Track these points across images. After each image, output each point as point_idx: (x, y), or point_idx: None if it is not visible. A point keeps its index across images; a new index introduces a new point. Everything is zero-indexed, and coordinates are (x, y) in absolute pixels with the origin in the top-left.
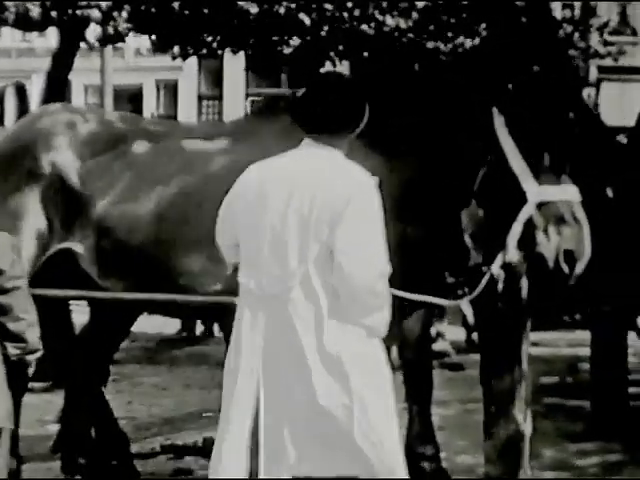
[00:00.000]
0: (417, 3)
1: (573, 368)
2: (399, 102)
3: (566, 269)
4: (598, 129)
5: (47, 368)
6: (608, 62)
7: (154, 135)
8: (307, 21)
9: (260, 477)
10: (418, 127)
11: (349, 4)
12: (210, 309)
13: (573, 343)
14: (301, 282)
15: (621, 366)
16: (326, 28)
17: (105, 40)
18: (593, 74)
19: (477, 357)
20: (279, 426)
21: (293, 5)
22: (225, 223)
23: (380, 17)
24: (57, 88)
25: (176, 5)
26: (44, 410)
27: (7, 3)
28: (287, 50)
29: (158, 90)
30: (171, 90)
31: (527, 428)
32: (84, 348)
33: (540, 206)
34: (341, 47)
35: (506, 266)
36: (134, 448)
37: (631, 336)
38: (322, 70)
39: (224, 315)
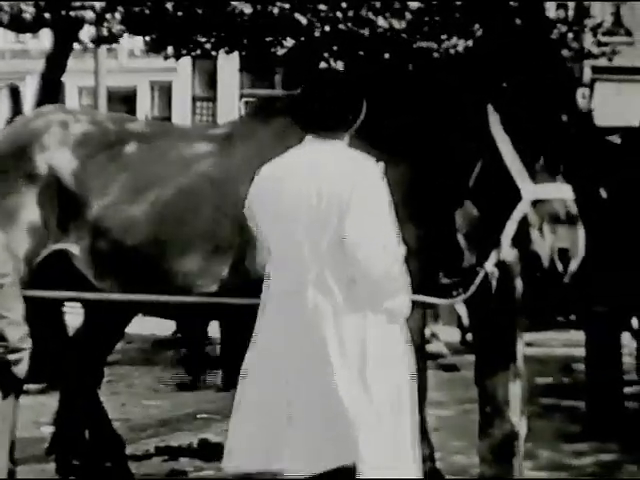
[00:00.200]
0: (410, 4)
1: (567, 368)
2: (392, 102)
3: (561, 267)
4: (590, 130)
5: (42, 370)
6: (602, 62)
7: (149, 136)
8: (303, 21)
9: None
10: (411, 127)
11: (343, 5)
12: (205, 310)
13: (567, 343)
14: (316, 277)
15: (616, 366)
16: (320, 29)
17: (99, 41)
18: (587, 74)
19: (472, 358)
20: (302, 420)
21: (287, 6)
22: (251, 223)
23: (373, 18)
24: (51, 90)
25: (170, 6)
26: (38, 412)
27: (0, 4)
28: (281, 51)
29: (152, 91)
30: (165, 91)
31: (522, 428)
32: (78, 350)
33: (535, 204)
34: (335, 48)
35: (500, 266)
36: (129, 450)
37: (625, 336)
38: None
39: (220, 316)
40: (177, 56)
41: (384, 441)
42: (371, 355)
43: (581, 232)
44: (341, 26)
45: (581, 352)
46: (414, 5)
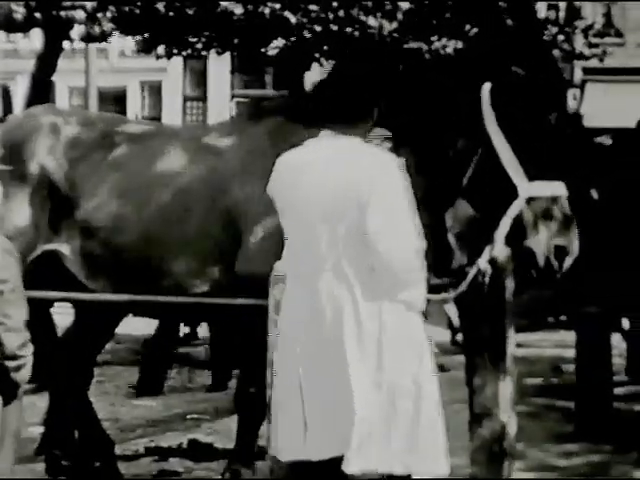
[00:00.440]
0: (401, 4)
1: (557, 369)
2: (386, 100)
3: (556, 265)
4: (579, 131)
5: (31, 370)
6: (593, 63)
7: (140, 137)
8: (293, 20)
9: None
10: (405, 125)
11: (334, 5)
12: (194, 311)
13: (557, 344)
14: (333, 266)
15: (606, 367)
16: (311, 29)
17: (89, 39)
18: (578, 75)
19: (462, 358)
20: (318, 406)
21: (278, 6)
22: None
23: (364, 18)
24: (41, 89)
25: (160, 6)
26: (28, 412)
27: None
28: (272, 51)
29: (142, 91)
30: (155, 91)
31: (512, 429)
32: (68, 350)
33: (529, 201)
34: (326, 48)
35: (492, 265)
36: (118, 450)
37: (615, 337)
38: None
39: (210, 317)
40: (168, 55)
41: (398, 430)
42: (387, 341)
43: (575, 229)
44: (332, 26)
45: (571, 353)
46: (405, 5)
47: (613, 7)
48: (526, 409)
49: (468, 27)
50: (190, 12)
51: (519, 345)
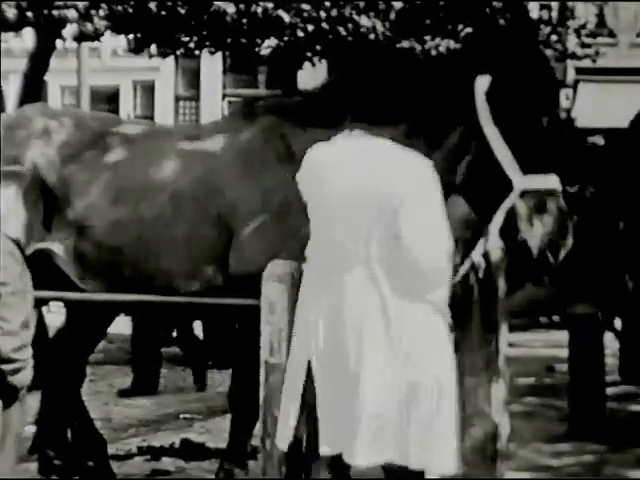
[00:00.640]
0: (394, 4)
1: (550, 369)
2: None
3: (551, 258)
4: (572, 132)
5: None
6: (585, 63)
7: (132, 136)
8: (286, 18)
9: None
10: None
11: (326, 4)
12: (188, 310)
13: (550, 344)
14: (362, 264)
15: (598, 367)
16: (303, 28)
17: (81, 38)
18: (570, 75)
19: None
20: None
21: (270, 5)
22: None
23: (357, 18)
24: (33, 89)
25: (153, 5)
26: None
27: None
28: (264, 51)
29: (135, 91)
30: (148, 91)
31: (504, 429)
32: (60, 349)
33: (523, 195)
34: (319, 47)
35: (486, 260)
36: (111, 449)
37: (608, 337)
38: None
39: (202, 316)
40: (161, 55)
41: (416, 427)
42: (414, 341)
43: (569, 223)
44: (324, 26)
45: (564, 353)
46: (398, 5)
47: (605, 7)
48: (519, 409)
49: (461, 27)
50: (182, 11)
51: (511, 345)
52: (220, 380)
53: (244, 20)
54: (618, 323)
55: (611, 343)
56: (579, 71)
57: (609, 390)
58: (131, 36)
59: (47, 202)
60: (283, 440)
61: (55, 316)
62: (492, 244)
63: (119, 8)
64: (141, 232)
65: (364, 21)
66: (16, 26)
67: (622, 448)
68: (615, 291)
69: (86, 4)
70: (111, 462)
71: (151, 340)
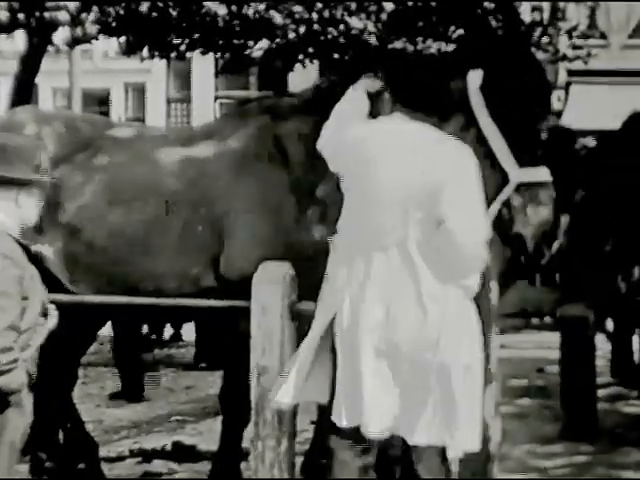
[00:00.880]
0: (385, 5)
1: (541, 370)
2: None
3: (545, 249)
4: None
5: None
6: (577, 65)
7: (124, 139)
8: (278, 20)
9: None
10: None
11: (318, 6)
12: (179, 313)
13: (541, 345)
14: (397, 244)
15: (590, 368)
16: (294, 29)
17: (73, 42)
18: (562, 77)
19: None
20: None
21: (262, 7)
22: (329, 157)
23: (349, 19)
24: (25, 91)
25: (144, 7)
26: None
27: None
28: (256, 53)
29: (126, 93)
30: (139, 93)
31: (496, 431)
32: (52, 352)
33: (518, 187)
34: (310, 49)
35: None
36: (102, 452)
37: (600, 338)
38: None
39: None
40: (152, 57)
41: (442, 406)
42: (447, 324)
43: (560, 214)
44: (316, 27)
45: (555, 354)
46: (389, 7)
47: (597, 9)
48: (511, 410)
49: (452, 29)
50: (174, 13)
51: (502, 346)
52: (211, 382)
53: (235, 22)
54: (610, 324)
55: (603, 345)
56: (571, 73)
57: (600, 391)
58: (123, 38)
59: None
60: (283, 395)
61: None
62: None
63: (110, 10)
64: (133, 235)
65: (355, 23)
66: (8, 28)
67: (614, 449)
68: (607, 292)
69: (77, 7)
70: (102, 464)
71: (132, 344)
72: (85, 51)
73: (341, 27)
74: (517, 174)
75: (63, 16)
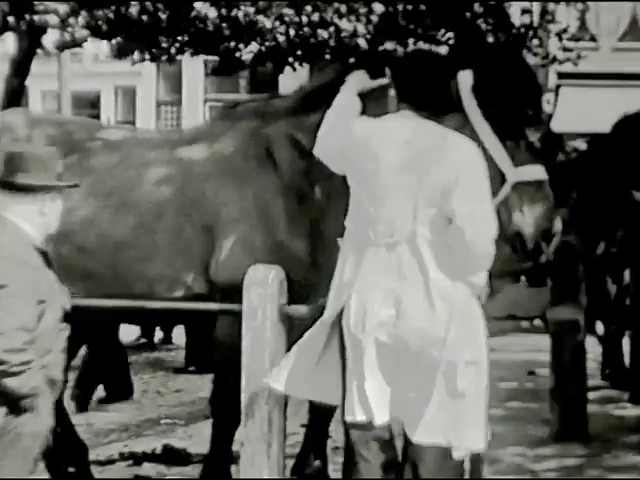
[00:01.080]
0: (376, 8)
1: (532, 373)
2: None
3: (545, 248)
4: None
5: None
6: (567, 68)
7: (114, 142)
8: (267, 23)
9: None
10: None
11: (308, 9)
12: (169, 316)
13: (531, 348)
14: (407, 240)
15: (580, 371)
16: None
17: (63, 46)
18: (552, 80)
19: None
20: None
21: (251, 10)
22: (333, 156)
23: (338, 22)
24: (14, 94)
25: (134, 10)
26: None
27: None
28: (246, 55)
29: (116, 96)
30: (129, 96)
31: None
32: None
33: (515, 186)
34: (300, 52)
35: None
36: (92, 455)
37: (590, 341)
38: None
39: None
40: (143, 60)
41: (449, 405)
42: (455, 321)
43: (556, 211)
44: (305, 30)
45: (545, 357)
46: (379, 9)
47: (587, 12)
48: (500, 413)
49: (443, 31)
50: (163, 16)
51: (493, 349)
52: (201, 385)
53: (225, 25)
54: (600, 327)
55: (593, 347)
56: (561, 76)
57: (591, 394)
58: (113, 41)
59: None
60: (276, 380)
61: None
62: None
63: (100, 13)
64: (123, 238)
65: (345, 25)
66: None
67: (604, 452)
68: (598, 295)
69: (67, 11)
70: (92, 468)
71: (115, 346)
72: (75, 54)
73: (331, 30)
74: (513, 173)
75: (52, 19)
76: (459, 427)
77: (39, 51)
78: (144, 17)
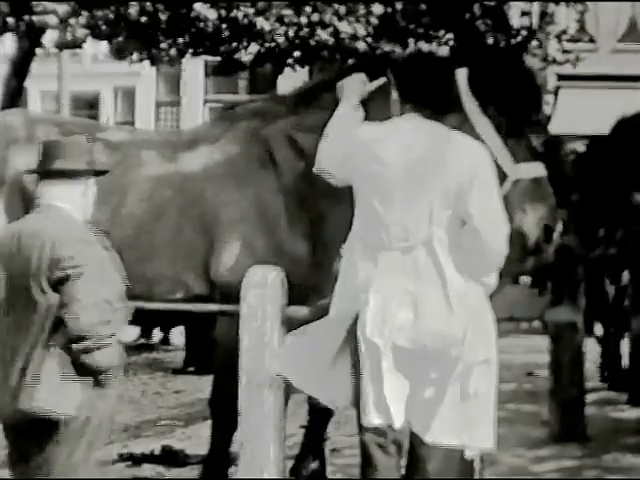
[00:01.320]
0: (375, 10)
1: (530, 374)
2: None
3: (545, 247)
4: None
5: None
6: (566, 69)
7: (115, 143)
8: (267, 25)
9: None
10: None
11: (307, 10)
12: (170, 317)
13: (529, 350)
14: (423, 242)
15: (579, 373)
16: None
17: (62, 46)
18: (551, 81)
19: None
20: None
21: (251, 11)
22: (337, 165)
23: (338, 23)
24: (14, 94)
25: (134, 11)
26: None
27: None
28: (245, 57)
29: (116, 96)
30: (129, 96)
31: None
32: None
33: (515, 183)
34: (299, 53)
35: None
36: None
37: (589, 342)
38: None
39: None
40: (144, 59)
41: (461, 405)
42: (472, 322)
43: (557, 208)
44: (305, 31)
45: (543, 358)
46: (378, 10)
47: (586, 13)
48: (499, 415)
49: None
50: (163, 17)
51: None
52: (200, 386)
53: (225, 26)
54: (599, 329)
55: (592, 349)
56: (560, 77)
57: (589, 396)
58: (112, 42)
59: (26, 207)
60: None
61: None
62: None
63: (99, 14)
64: (122, 238)
65: (345, 27)
66: None
67: (602, 453)
68: (596, 297)
69: (67, 11)
70: None
71: None
72: (74, 54)
73: (330, 31)
74: (514, 170)
75: (52, 19)
76: (471, 426)
77: (39, 51)
78: (143, 18)
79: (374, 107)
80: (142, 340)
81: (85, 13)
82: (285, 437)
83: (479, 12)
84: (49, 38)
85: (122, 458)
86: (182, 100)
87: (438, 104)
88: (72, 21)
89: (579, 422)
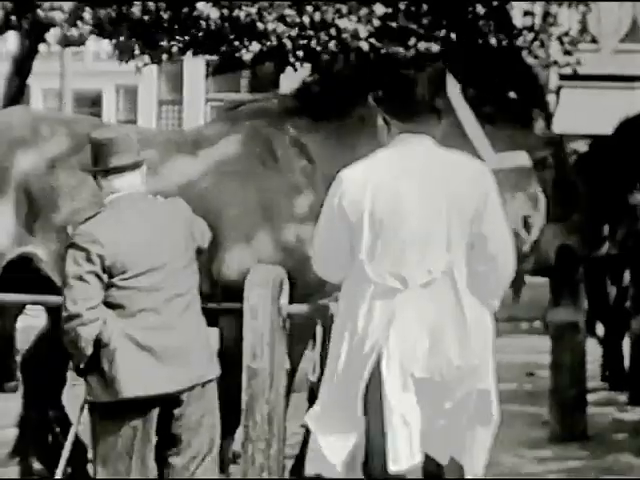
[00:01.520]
0: (377, 9)
1: (531, 375)
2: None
3: (525, 235)
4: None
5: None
6: (569, 69)
7: None
8: (269, 24)
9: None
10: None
11: (309, 9)
12: None
13: (529, 350)
14: (443, 273)
15: (580, 373)
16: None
17: (65, 43)
18: (553, 81)
19: None
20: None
21: (253, 10)
22: (332, 240)
23: (340, 23)
24: (16, 92)
25: (136, 10)
26: (1, 414)
27: None
28: (247, 56)
29: (118, 94)
30: (131, 95)
31: None
32: (41, 354)
33: (497, 173)
34: (301, 52)
35: None
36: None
37: (590, 343)
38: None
39: None
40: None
41: (465, 428)
42: (487, 346)
43: (542, 200)
44: (307, 31)
45: (544, 358)
46: (380, 10)
47: (588, 14)
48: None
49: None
50: (165, 16)
51: None
52: None
53: (227, 25)
54: (600, 329)
55: (593, 349)
56: (562, 77)
57: (590, 396)
58: (115, 41)
59: (31, 206)
60: (338, 457)
61: (33, 320)
62: None
63: (102, 12)
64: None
65: (347, 26)
66: (0, 29)
67: (603, 454)
68: (598, 297)
69: (70, 9)
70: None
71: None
72: (76, 53)
73: (332, 30)
74: (495, 159)
75: (59, 16)
76: (471, 450)
77: (41, 49)
78: (146, 17)
79: (362, 142)
80: None
81: (88, 11)
82: (285, 437)
83: (482, 12)
84: (52, 36)
85: None
86: (184, 98)
87: (424, 112)
88: (76, 18)
89: (580, 422)
